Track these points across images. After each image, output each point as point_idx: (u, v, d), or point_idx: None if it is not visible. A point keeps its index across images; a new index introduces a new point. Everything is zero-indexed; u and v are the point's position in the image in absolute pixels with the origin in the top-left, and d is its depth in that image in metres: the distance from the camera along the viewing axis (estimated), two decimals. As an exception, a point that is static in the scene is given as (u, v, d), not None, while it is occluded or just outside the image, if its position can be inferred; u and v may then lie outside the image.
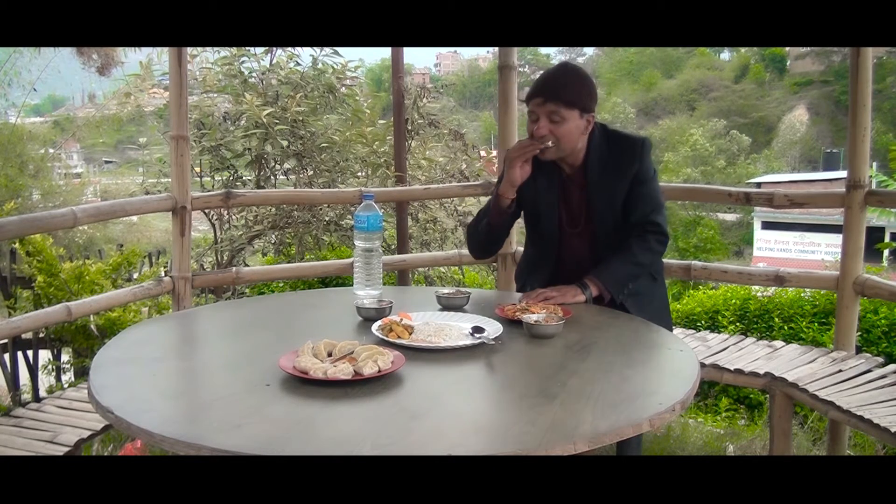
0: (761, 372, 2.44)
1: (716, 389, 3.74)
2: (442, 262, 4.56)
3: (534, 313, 1.82)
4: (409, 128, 5.50)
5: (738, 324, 4.04)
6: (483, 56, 60.27)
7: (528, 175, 2.10)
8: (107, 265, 3.82)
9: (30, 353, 3.51)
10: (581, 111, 2.06)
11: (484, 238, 2.31)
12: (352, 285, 2.13)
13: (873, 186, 2.71)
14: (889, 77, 35.72)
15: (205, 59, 5.69)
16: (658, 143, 36.97)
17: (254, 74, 5.51)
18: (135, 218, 12.64)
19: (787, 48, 43.74)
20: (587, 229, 2.16)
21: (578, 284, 2.06)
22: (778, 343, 2.77)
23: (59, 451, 1.93)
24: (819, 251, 19.31)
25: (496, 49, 3.73)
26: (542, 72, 2.18)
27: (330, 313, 2.07)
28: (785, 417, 2.43)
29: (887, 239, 14.84)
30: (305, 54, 5.62)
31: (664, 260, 2.43)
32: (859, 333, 3.29)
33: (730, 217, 31.01)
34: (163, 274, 3.83)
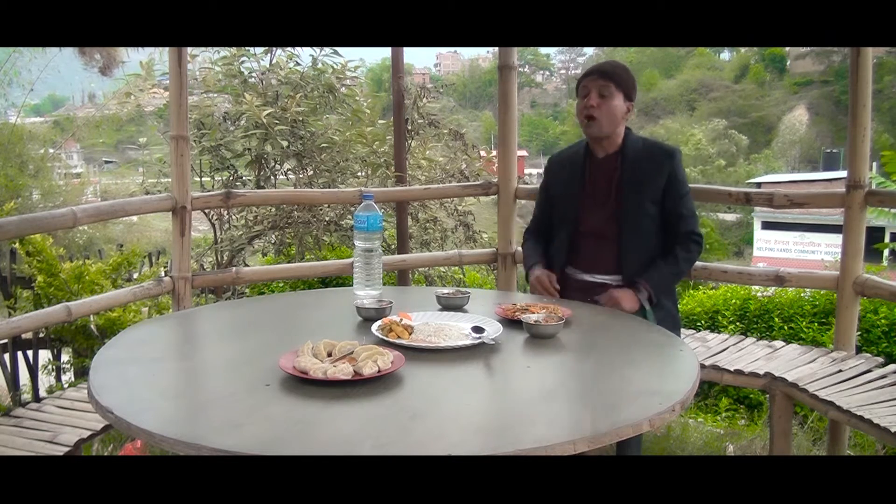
0: (761, 372, 2.44)
1: (716, 389, 3.74)
2: (442, 262, 4.56)
3: (534, 313, 1.82)
4: (409, 128, 5.50)
5: (738, 324, 4.04)
6: (483, 56, 60.33)
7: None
8: (107, 265, 3.82)
9: (30, 353, 3.51)
10: (625, 96, 2.30)
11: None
12: (352, 285, 2.13)
13: (873, 187, 2.71)
14: (889, 77, 35.72)
15: (205, 59, 5.69)
16: (658, 143, 36.92)
17: (254, 74, 5.51)
18: (135, 218, 12.63)
19: (787, 48, 43.74)
20: (615, 207, 2.31)
21: (633, 289, 2.23)
22: (778, 343, 2.77)
23: (59, 451, 1.93)
24: (819, 251, 19.30)
25: (496, 49, 3.73)
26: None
27: (330, 313, 2.07)
28: (785, 417, 2.42)
29: (887, 239, 14.84)
30: (305, 54, 5.61)
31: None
32: (859, 333, 3.29)
33: (730, 217, 31.02)
34: (163, 274, 3.83)
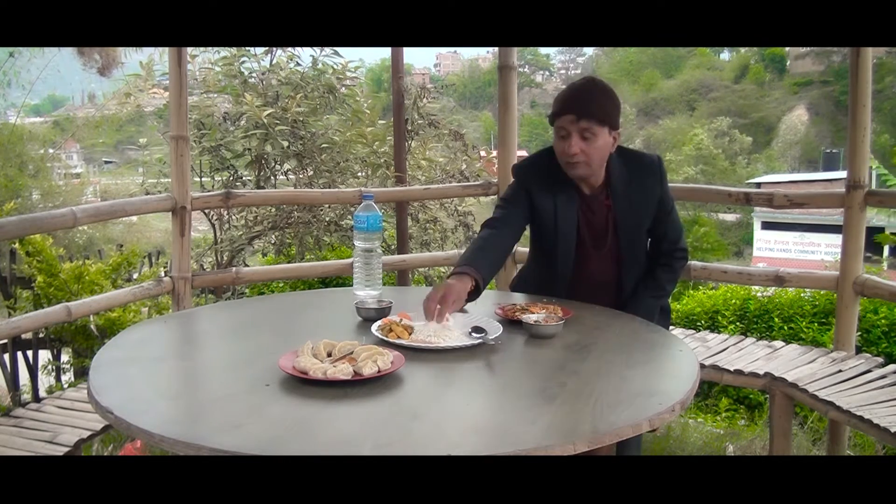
0: (761, 372, 2.44)
1: (716, 389, 3.74)
2: (442, 262, 4.56)
3: (534, 313, 1.82)
4: (409, 128, 5.50)
5: (737, 324, 4.04)
6: (483, 56, 60.24)
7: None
8: (107, 265, 3.82)
9: (30, 353, 3.51)
10: (610, 128, 2.00)
11: None
12: (352, 285, 2.13)
13: (874, 185, 2.71)
14: (889, 77, 35.70)
15: (205, 60, 5.70)
16: (659, 142, 37.01)
17: (254, 75, 5.51)
18: (134, 218, 12.63)
19: (787, 48, 43.72)
20: (613, 249, 2.11)
21: None
22: (778, 343, 2.77)
23: (59, 451, 1.93)
24: (819, 251, 19.30)
25: (496, 49, 3.73)
26: (565, 86, 2.09)
27: (330, 313, 2.07)
28: (785, 417, 2.43)
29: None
30: (305, 55, 5.62)
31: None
32: (859, 333, 3.29)
33: (730, 217, 31.01)
34: (163, 274, 3.83)
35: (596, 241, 2.11)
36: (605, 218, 2.10)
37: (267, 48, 5.42)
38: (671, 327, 2.47)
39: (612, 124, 2.01)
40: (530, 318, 1.77)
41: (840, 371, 2.40)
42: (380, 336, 1.65)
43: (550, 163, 2.10)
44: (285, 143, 5.13)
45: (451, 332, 1.69)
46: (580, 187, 2.10)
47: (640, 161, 2.13)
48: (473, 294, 1.88)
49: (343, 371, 1.40)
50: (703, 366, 2.49)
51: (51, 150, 11.87)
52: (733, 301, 4.15)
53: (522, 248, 3.14)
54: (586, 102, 1.98)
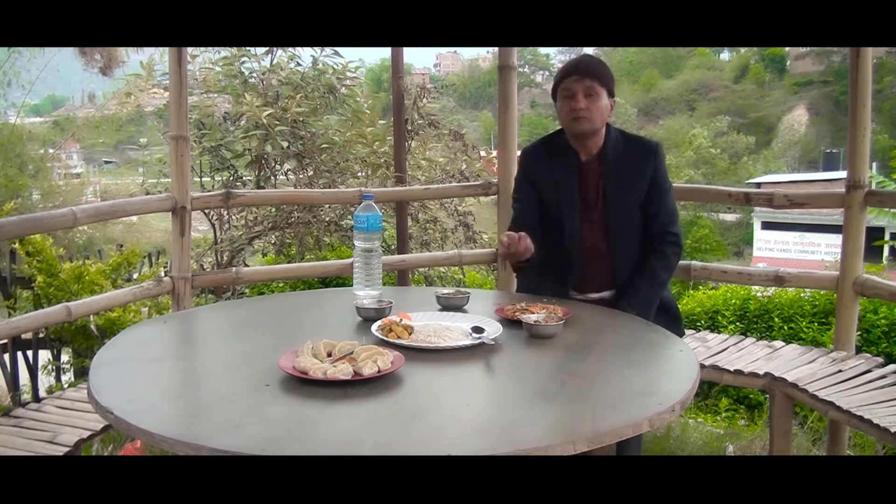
0: (761, 372, 2.44)
1: (716, 389, 3.74)
2: (442, 262, 4.56)
3: (533, 313, 1.82)
4: (409, 128, 5.50)
5: (737, 324, 4.04)
6: (483, 56, 60.23)
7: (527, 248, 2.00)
8: (107, 265, 3.82)
9: (30, 353, 3.51)
10: (608, 92, 2.17)
11: None
12: (352, 285, 2.13)
13: (873, 187, 2.71)
14: (889, 77, 35.66)
15: (205, 59, 5.69)
16: (659, 143, 36.92)
17: (254, 75, 5.51)
18: (135, 218, 12.61)
19: (787, 48, 43.69)
20: (603, 217, 2.20)
21: None
22: (778, 343, 2.77)
23: (59, 451, 1.93)
24: (819, 251, 19.30)
25: (496, 49, 3.73)
26: (562, 64, 2.31)
27: (330, 313, 2.07)
28: (785, 417, 2.43)
29: (887, 238, 14.80)
30: (306, 55, 5.61)
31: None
32: (859, 333, 3.29)
33: (730, 217, 31.00)
34: (163, 274, 3.83)
35: (587, 207, 2.21)
36: (596, 184, 2.21)
37: (267, 48, 5.42)
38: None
39: (609, 89, 2.18)
40: (530, 318, 1.77)
41: (840, 371, 2.40)
42: (380, 336, 1.65)
43: (553, 142, 2.28)
44: (285, 144, 5.12)
45: (451, 332, 1.69)
46: (578, 154, 2.23)
47: (639, 141, 2.29)
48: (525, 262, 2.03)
49: (343, 371, 1.40)
50: (703, 366, 2.49)
51: (51, 150, 11.86)
52: (733, 301, 4.15)
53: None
54: (587, 65, 2.18)
